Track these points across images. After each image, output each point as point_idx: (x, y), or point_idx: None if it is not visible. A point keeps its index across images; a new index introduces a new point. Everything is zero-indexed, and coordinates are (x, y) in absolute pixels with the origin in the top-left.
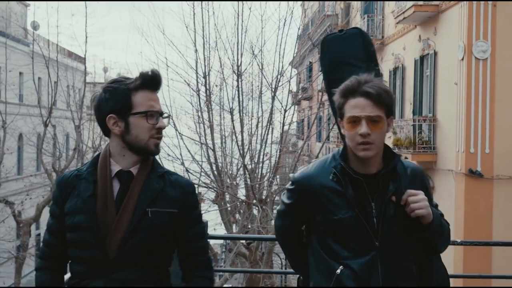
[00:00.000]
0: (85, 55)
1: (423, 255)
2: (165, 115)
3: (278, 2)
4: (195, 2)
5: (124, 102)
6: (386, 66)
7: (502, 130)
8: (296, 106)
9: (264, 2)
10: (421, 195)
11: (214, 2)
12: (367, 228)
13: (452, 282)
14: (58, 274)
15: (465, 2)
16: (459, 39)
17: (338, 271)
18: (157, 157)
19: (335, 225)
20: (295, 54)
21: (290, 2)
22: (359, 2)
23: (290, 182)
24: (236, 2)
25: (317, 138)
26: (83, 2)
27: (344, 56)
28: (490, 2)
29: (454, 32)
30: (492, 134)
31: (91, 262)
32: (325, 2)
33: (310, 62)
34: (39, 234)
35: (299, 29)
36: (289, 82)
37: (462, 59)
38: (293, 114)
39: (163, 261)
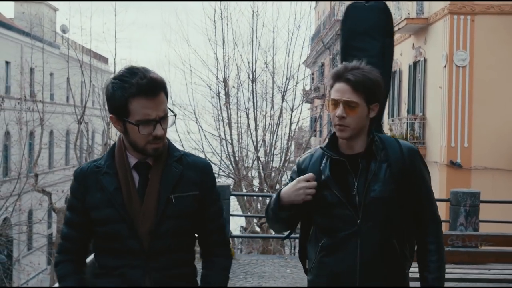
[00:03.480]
0: (114, 59)
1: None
2: (170, 114)
3: (288, 15)
4: (216, 17)
5: (121, 107)
6: None
7: (479, 127)
8: (309, 104)
9: (276, 16)
10: None
11: (233, 17)
12: (347, 205)
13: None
14: (80, 266)
15: (448, 16)
16: (443, 49)
17: (321, 243)
18: (182, 149)
19: (319, 202)
20: (305, 55)
21: (298, 16)
22: None
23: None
24: (251, 20)
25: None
26: (113, 8)
27: (365, 26)
28: (469, 17)
29: (439, 42)
30: (470, 130)
31: (126, 253)
32: (336, 7)
33: (322, 63)
34: None
35: (304, 41)
36: (296, 86)
37: (445, 66)
38: (300, 113)
39: (190, 243)
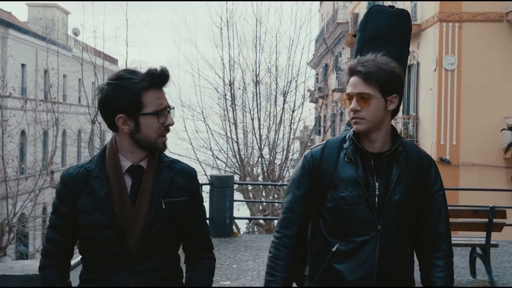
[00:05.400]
0: (126, 61)
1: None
2: (171, 107)
3: (289, 23)
4: (223, 25)
5: (134, 102)
6: None
7: (466, 126)
8: (314, 104)
9: (278, 24)
10: None
11: (238, 25)
12: (371, 208)
13: None
14: (64, 271)
15: (437, 23)
16: (433, 53)
17: (334, 248)
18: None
19: (340, 202)
20: (305, 60)
21: (298, 23)
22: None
23: (304, 156)
24: (255, 27)
25: (331, 133)
26: (125, 13)
27: (385, 32)
28: (457, 24)
29: (430, 47)
30: (458, 129)
31: (112, 258)
32: (338, 10)
33: (326, 64)
34: None
35: (303, 46)
36: (297, 88)
37: (435, 69)
38: (301, 113)
39: (175, 247)
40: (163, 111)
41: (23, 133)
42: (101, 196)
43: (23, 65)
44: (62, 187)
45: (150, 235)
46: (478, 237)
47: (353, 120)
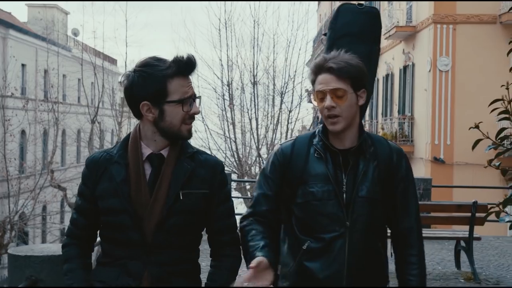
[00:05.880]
0: (125, 62)
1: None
2: (197, 96)
3: (286, 25)
4: (221, 27)
5: (159, 89)
6: (380, 72)
7: (460, 126)
8: (312, 104)
9: (276, 25)
10: None
11: (236, 26)
12: (340, 204)
13: None
14: (85, 251)
15: (432, 25)
16: (428, 55)
17: (305, 246)
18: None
19: (310, 197)
20: (303, 61)
21: (295, 25)
22: None
23: (274, 152)
24: (253, 28)
25: None
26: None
27: (355, 30)
28: (451, 26)
29: (425, 49)
30: (452, 129)
31: (128, 244)
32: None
33: None
34: None
35: (300, 48)
36: (294, 89)
37: (430, 70)
38: (298, 113)
39: (195, 241)
40: (188, 100)
41: (23, 132)
42: (118, 181)
43: (23, 65)
44: (85, 170)
45: (166, 226)
46: (462, 230)
47: (329, 119)
